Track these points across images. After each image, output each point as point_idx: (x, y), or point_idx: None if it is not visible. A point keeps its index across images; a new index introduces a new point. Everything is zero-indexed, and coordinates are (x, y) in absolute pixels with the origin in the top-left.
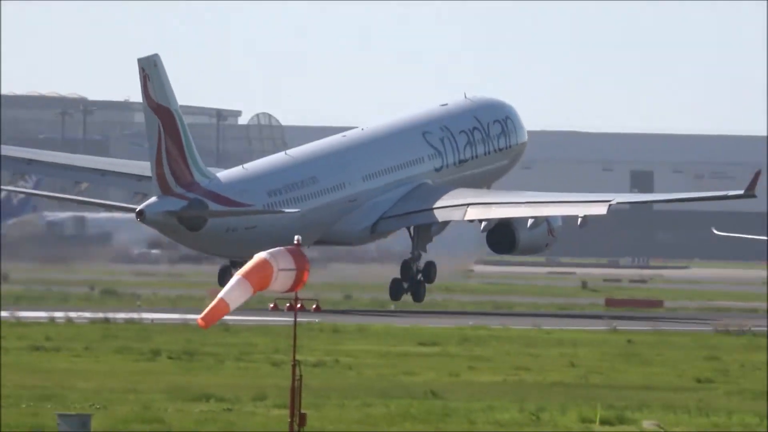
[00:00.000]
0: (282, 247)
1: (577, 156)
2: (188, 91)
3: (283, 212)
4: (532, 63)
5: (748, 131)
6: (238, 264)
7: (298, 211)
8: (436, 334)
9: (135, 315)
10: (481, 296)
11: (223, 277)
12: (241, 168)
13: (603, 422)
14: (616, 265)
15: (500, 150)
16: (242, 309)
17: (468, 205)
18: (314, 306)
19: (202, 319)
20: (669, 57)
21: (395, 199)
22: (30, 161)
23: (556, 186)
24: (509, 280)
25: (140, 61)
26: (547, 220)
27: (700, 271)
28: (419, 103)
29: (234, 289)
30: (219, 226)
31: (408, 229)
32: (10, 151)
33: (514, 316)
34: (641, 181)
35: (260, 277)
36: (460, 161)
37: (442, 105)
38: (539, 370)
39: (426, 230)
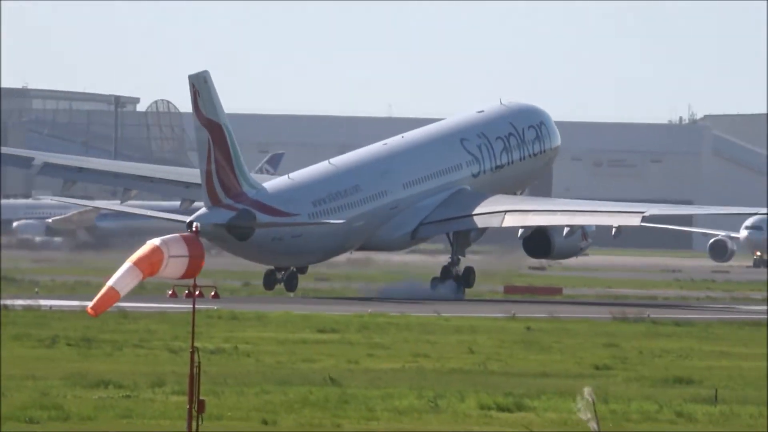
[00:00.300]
0: (177, 234)
1: None
2: (87, 77)
3: (328, 223)
4: (405, 51)
5: (646, 119)
6: (282, 270)
7: (343, 222)
8: (335, 321)
9: (33, 302)
10: (379, 283)
11: (269, 282)
12: (286, 178)
13: (501, 409)
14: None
15: (535, 155)
16: (142, 296)
17: (506, 212)
18: (213, 293)
19: (92, 308)
20: (564, 43)
21: (435, 205)
22: (80, 169)
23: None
24: (408, 268)
25: (191, 77)
26: (581, 226)
27: (597, 259)
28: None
29: (123, 275)
30: (266, 236)
31: (447, 234)
32: (61, 159)
33: (413, 303)
34: None
35: (150, 262)
36: (497, 167)
37: (479, 111)
38: (438, 357)
39: (465, 236)
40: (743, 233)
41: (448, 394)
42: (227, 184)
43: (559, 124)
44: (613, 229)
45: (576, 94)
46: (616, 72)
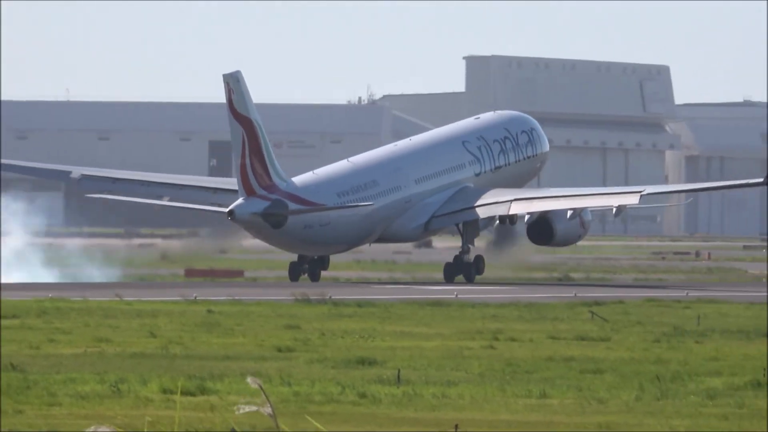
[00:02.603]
0: None
1: (155, 126)
2: None
3: (357, 206)
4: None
5: (325, 99)
6: (306, 259)
7: (371, 204)
8: (15, 306)
9: None
10: (62, 269)
11: (293, 273)
12: (311, 173)
13: (184, 393)
14: (195, 235)
15: (528, 158)
16: None
17: (512, 200)
18: None
19: None
20: (244, 23)
21: (443, 200)
22: (115, 180)
23: (142, 157)
24: (91, 253)
25: (225, 76)
26: (579, 214)
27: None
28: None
29: None
30: (297, 223)
31: (457, 225)
32: (96, 171)
33: (94, 288)
34: (220, 151)
35: None
36: (496, 167)
37: (476, 118)
38: (120, 342)
39: (474, 226)
40: None
41: (130, 378)
42: (259, 176)
43: None
44: (614, 209)
45: (258, 76)
46: (296, 53)
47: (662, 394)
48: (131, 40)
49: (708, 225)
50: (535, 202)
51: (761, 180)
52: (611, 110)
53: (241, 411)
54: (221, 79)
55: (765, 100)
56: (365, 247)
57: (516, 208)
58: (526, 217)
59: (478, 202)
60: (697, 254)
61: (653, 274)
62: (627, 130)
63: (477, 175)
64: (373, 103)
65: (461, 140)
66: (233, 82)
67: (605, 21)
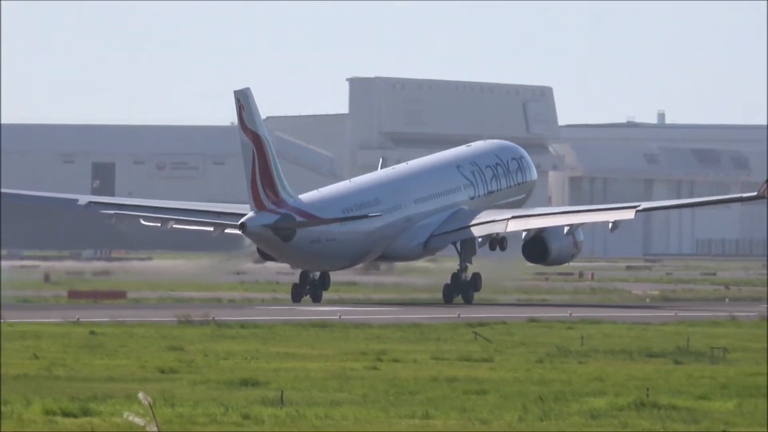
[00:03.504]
0: None
1: (37, 148)
2: None
3: (367, 217)
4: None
5: (209, 121)
6: (308, 280)
7: (379, 215)
8: None
9: None
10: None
11: (296, 294)
12: (316, 192)
13: (66, 414)
14: (79, 258)
15: (518, 184)
16: None
17: (509, 218)
18: None
19: None
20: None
21: (441, 221)
22: (122, 206)
23: (25, 179)
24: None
25: (236, 93)
26: (573, 233)
27: (162, 263)
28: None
29: None
30: (305, 237)
31: (455, 244)
32: (103, 198)
33: None
34: (103, 172)
35: None
36: (489, 192)
37: (468, 146)
38: (2, 363)
39: (471, 244)
40: None
41: (13, 399)
42: (268, 190)
43: (121, 127)
44: (610, 224)
45: (139, 97)
46: (178, 73)
47: (545, 414)
48: (11, 59)
49: (591, 245)
50: (531, 219)
51: (755, 194)
52: (495, 131)
53: (128, 417)
54: (102, 99)
55: (648, 121)
56: (249, 267)
57: (513, 226)
58: (523, 235)
59: (476, 221)
60: (581, 275)
61: (536, 294)
62: None
63: (471, 198)
64: None
65: (456, 165)
66: (244, 99)
67: (489, 42)
